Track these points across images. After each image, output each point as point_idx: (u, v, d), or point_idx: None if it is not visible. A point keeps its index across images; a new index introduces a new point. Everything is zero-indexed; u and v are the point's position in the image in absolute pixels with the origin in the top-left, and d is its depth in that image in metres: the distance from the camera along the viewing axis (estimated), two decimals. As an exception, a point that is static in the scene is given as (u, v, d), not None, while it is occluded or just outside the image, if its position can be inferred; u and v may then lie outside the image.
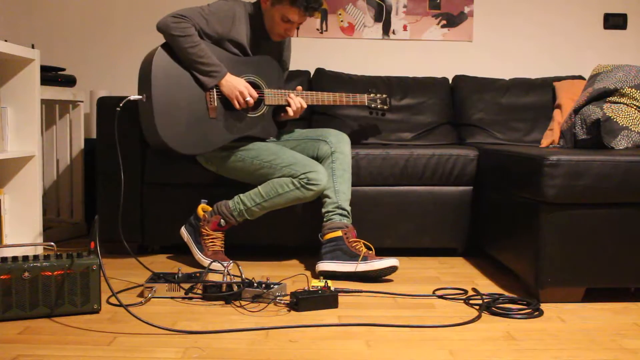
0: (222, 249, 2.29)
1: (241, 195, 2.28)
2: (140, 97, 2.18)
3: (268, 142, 2.37)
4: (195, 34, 2.21)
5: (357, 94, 2.61)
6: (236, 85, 2.25)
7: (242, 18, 2.34)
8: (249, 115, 2.33)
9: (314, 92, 2.48)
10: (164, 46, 2.25)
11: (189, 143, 2.22)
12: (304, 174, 2.21)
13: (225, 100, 2.28)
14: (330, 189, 2.27)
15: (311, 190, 2.21)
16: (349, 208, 2.28)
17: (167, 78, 2.21)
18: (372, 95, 2.67)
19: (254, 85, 2.33)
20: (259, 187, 2.26)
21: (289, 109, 2.36)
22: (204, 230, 2.27)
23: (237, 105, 2.26)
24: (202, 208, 2.32)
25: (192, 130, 2.23)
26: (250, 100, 2.26)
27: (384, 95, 2.70)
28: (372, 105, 2.67)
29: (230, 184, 2.39)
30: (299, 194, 2.22)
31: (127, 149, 2.47)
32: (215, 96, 2.27)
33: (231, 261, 2.22)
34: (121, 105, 2.13)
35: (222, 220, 2.26)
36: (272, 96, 2.36)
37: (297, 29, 3.27)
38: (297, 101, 2.36)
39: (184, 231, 2.34)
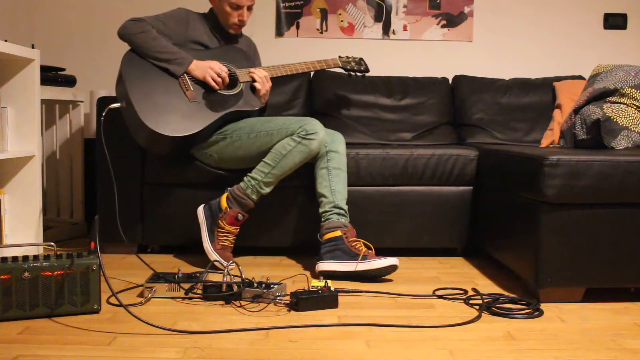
0: (232, 245, 2.29)
1: (249, 173, 2.29)
2: (120, 104, 2.25)
3: (256, 117, 2.42)
4: (153, 30, 2.33)
5: (329, 58, 2.69)
6: (206, 65, 2.34)
7: (197, 21, 2.49)
8: (227, 93, 2.38)
9: (286, 64, 2.55)
10: (130, 50, 2.36)
11: (182, 127, 2.24)
12: (299, 127, 2.25)
13: (201, 84, 2.35)
14: (327, 189, 2.28)
15: (312, 140, 2.23)
16: (346, 207, 2.28)
17: (140, 77, 2.28)
18: (344, 57, 2.73)
19: None
20: (264, 159, 2.28)
21: (256, 84, 2.41)
22: (221, 223, 2.27)
23: (213, 84, 2.33)
24: (227, 197, 2.30)
25: (180, 116, 2.26)
26: (224, 74, 2.33)
27: (358, 58, 2.78)
28: (348, 67, 2.72)
29: (231, 183, 2.39)
30: (302, 149, 2.23)
31: (127, 149, 2.47)
32: (188, 81, 2.33)
33: (233, 261, 2.22)
34: (104, 114, 2.25)
35: (239, 214, 2.26)
36: (245, 74, 2.44)
37: (297, 28, 3.27)
38: (259, 72, 2.42)
39: (200, 211, 2.32)
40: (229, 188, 2.31)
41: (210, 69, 2.32)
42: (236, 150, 2.34)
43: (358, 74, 2.77)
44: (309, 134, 2.23)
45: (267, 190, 2.28)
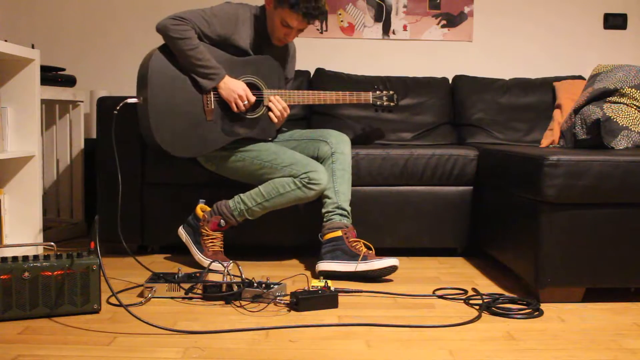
0: (222, 249, 2.29)
1: (241, 195, 2.28)
2: (137, 100, 2.18)
3: (268, 143, 2.36)
4: (194, 37, 2.19)
5: (362, 92, 2.52)
6: (234, 89, 2.23)
7: (246, 21, 2.33)
8: (247, 116, 2.31)
9: (315, 91, 2.43)
10: (161, 48, 2.24)
11: (185, 146, 2.22)
12: (305, 173, 2.21)
13: (222, 102, 2.27)
14: (330, 190, 2.27)
15: (312, 190, 2.21)
16: (349, 208, 2.28)
17: (164, 81, 2.21)
18: (377, 92, 2.59)
19: (253, 86, 2.31)
20: (260, 186, 2.26)
21: (271, 115, 2.31)
22: (204, 231, 2.27)
23: (235, 109, 2.25)
24: (201, 208, 2.31)
25: (189, 133, 2.22)
26: (248, 105, 2.26)
27: (391, 92, 2.60)
28: (378, 103, 2.60)
29: (231, 184, 2.39)
30: (300, 194, 2.22)
31: (127, 149, 2.47)
32: (212, 99, 2.25)
33: (231, 261, 2.22)
34: (118, 108, 2.15)
35: (222, 220, 2.26)
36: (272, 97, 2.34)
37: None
38: (278, 104, 2.30)
39: (182, 231, 2.34)
40: (202, 200, 2.33)
41: (238, 96, 2.23)
42: (236, 169, 2.33)
43: (386, 110, 2.60)
44: (312, 183, 2.21)
45: (253, 218, 2.28)
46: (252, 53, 2.35)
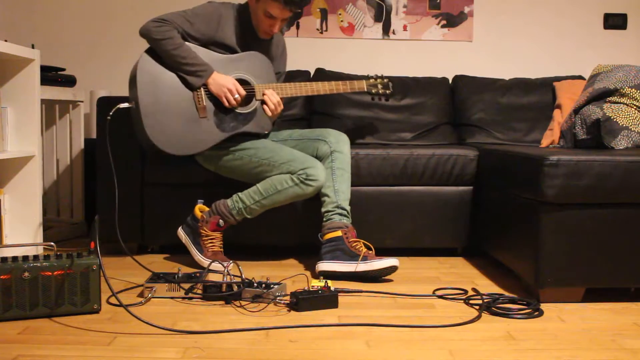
0: (221, 249, 2.29)
1: (240, 193, 2.28)
2: (129, 104, 2.21)
3: (265, 140, 2.36)
4: (177, 36, 2.23)
5: (355, 80, 2.55)
6: (224, 83, 2.25)
7: (229, 19, 2.36)
8: (240, 111, 2.32)
9: (308, 82, 2.44)
10: (148, 51, 2.27)
11: (181, 145, 2.23)
12: (302, 169, 2.21)
13: (214, 99, 2.28)
14: (330, 189, 2.27)
15: (310, 186, 2.21)
16: (348, 208, 2.28)
17: (153, 82, 2.22)
18: (371, 80, 2.62)
19: (243, 82, 2.33)
20: (258, 184, 2.26)
21: (265, 109, 2.32)
22: (203, 231, 2.27)
23: (227, 104, 2.26)
24: (199, 208, 2.31)
25: (183, 132, 2.23)
26: (239, 98, 2.26)
27: (385, 80, 2.64)
28: (373, 91, 2.60)
29: (230, 184, 2.39)
30: (298, 190, 2.22)
31: (127, 149, 2.47)
32: (203, 95, 2.27)
33: (231, 261, 2.22)
34: (111, 113, 2.19)
35: (220, 220, 2.26)
36: (262, 91, 2.34)
37: (297, 28, 3.27)
38: (272, 97, 2.31)
39: (181, 232, 2.33)
40: (201, 200, 2.32)
41: (227, 90, 2.24)
42: (235, 168, 2.33)
43: (383, 99, 2.65)
44: (309, 179, 2.21)
45: (251, 216, 2.28)
46: (239, 50, 2.37)
